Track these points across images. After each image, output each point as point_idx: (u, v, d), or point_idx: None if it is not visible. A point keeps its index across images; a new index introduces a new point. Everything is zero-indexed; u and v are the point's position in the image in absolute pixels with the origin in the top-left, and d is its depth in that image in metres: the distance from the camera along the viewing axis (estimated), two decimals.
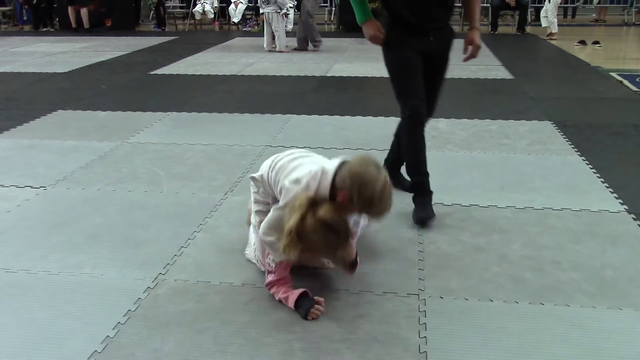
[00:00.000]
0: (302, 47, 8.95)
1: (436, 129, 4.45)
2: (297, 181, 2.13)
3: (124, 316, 2.15)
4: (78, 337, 2.04)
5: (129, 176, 3.59)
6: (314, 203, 2.02)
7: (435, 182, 3.33)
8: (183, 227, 2.87)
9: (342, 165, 2.10)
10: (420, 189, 2.93)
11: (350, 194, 2.02)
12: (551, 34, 10.14)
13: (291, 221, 2.00)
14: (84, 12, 11.58)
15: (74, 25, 11.67)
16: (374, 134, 4.38)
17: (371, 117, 4.88)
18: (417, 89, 2.80)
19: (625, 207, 3.04)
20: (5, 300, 2.28)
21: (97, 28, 11.79)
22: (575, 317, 2.13)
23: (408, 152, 2.92)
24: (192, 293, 2.31)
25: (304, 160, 2.26)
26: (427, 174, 2.93)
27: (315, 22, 9.08)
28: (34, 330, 2.09)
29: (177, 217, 3.01)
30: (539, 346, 1.97)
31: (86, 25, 11.65)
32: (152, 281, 2.39)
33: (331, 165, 2.13)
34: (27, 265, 2.54)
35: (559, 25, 10.42)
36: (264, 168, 2.40)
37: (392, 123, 4.77)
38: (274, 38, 8.87)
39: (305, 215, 1.99)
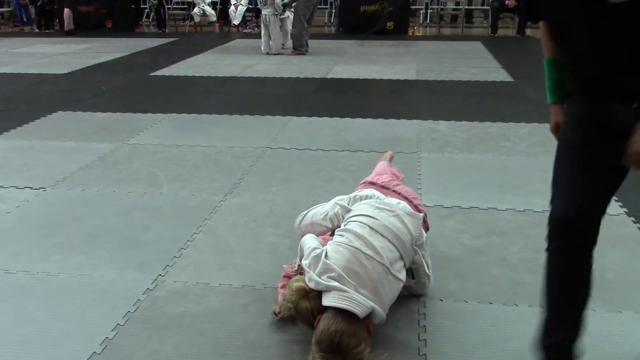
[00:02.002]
0: (298, 46, 8.78)
1: (436, 131, 4.46)
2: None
3: (123, 317, 2.15)
4: (77, 338, 2.04)
5: (129, 177, 3.59)
6: (307, 293, 1.95)
7: (435, 184, 3.33)
8: (182, 229, 2.87)
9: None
10: (553, 355, 1.78)
11: (317, 327, 1.87)
12: None
13: (288, 297, 1.98)
14: (67, 12, 11.44)
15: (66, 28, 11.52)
16: (374, 136, 4.38)
17: (371, 119, 4.88)
18: (569, 189, 1.75)
19: (625, 210, 3.04)
20: (5, 301, 2.28)
21: (96, 29, 11.79)
22: None
23: (545, 286, 1.79)
24: (191, 295, 2.31)
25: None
26: (572, 332, 1.79)
27: (309, 30, 8.81)
28: (33, 331, 2.09)
29: (176, 218, 3.01)
30: None
31: (67, 27, 11.41)
32: (152, 283, 2.39)
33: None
34: (27, 266, 2.53)
35: None
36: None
37: (391, 125, 4.84)
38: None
39: (298, 301, 1.96)
